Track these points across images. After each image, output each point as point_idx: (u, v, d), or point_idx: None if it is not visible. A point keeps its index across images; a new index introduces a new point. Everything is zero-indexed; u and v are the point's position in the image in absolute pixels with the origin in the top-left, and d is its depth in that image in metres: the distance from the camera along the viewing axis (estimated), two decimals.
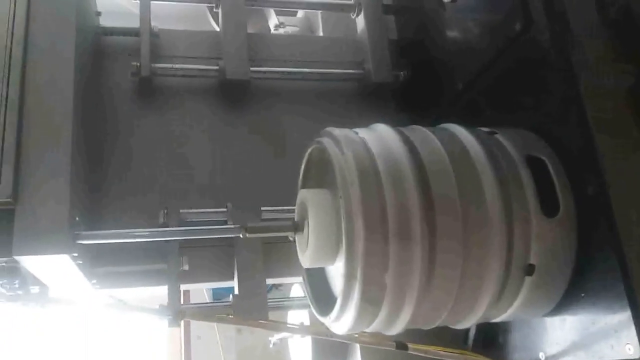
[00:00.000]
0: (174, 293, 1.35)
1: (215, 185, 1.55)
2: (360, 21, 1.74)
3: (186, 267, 1.39)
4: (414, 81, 1.69)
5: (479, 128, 1.24)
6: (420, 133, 1.20)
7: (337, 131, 1.16)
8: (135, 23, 1.58)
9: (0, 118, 1.08)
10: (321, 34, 1.95)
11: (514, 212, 1.08)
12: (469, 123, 1.24)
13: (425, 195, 1.05)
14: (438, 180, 1.07)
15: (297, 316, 1.64)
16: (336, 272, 1.18)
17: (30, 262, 1.08)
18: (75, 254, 1.07)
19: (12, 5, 1.18)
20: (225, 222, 1.46)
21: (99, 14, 1.56)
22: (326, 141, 1.15)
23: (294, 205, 1.22)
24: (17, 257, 1.04)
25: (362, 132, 1.18)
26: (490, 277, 1.06)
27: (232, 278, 1.47)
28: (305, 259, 1.16)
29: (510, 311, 1.14)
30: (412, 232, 1.03)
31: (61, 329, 3.47)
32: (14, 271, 1.12)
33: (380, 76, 1.66)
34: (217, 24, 1.72)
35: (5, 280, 1.12)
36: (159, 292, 1.41)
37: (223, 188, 1.55)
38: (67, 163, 1.09)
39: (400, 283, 1.03)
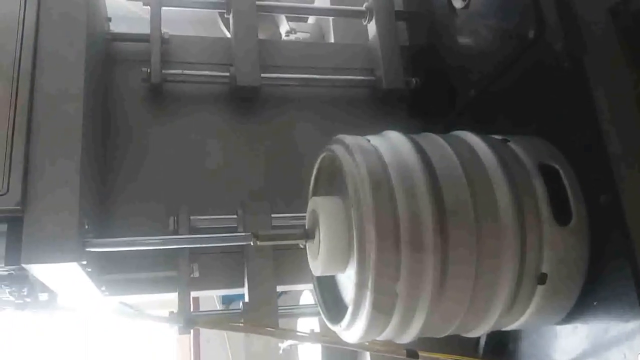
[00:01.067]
0: (184, 300, 1.34)
1: (225, 191, 1.55)
2: (371, 27, 1.73)
3: (196, 274, 1.39)
4: (425, 88, 1.68)
5: (491, 135, 1.23)
6: (433, 140, 1.20)
7: (348, 138, 1.15)
8: (145, 29, 1.58)
9: (9, 125, 1.07)
10: (332, 40, 1.94)
11: (527, 220, 1.07)
12: (481, 130, 1.23)
13: (438, 204, 1.04)
14: (451, 189, 1.06)
15: (307, 323, 1.64)
16: (347, 280, 1.17)
17: (38, 270, 1.08)
18: (84, 262, 1.07)
19: (22, 10, 1.18)
20: (236, 229, 1.46)
21: (109, 19, 1.56)
22: (337, 149, 1.14)
23: (305, 213, 1.22)
24: (25, 265, 1.03)
25: (374, 140, 1.17)
26: (502, 286, 1.05)
27: (242, 285, 1.46)
28: (316, 267, 1.15)
29: (522, 320, 1.13)
30: (424, 241, 1.02)
31: (64, 331, 3.48)
32: (23, 279, 1.11)
33: (392, 83, 1.66)
34: (228, 30, 1.72)
35: (13, 288, 1.12)
36: (167, 297, 1.41)
37: (234, 195, 1.54)
38: (76, 170, 1.09)
39: (412, 292, 1.02)
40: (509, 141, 1.21)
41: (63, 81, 1.15)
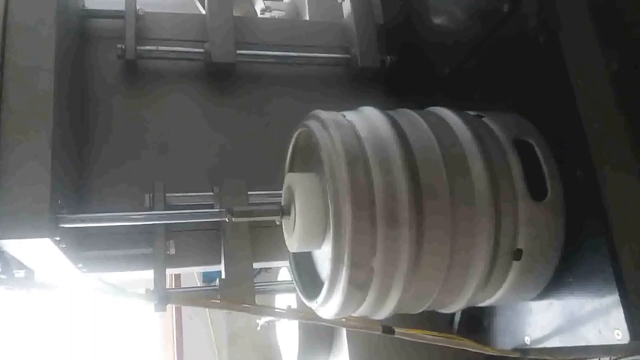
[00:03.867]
0: (159, 277, 1.34)
1: (201, 169, 1.54)
2: (346, 5, 1.73)
3: (172, 252, 1.38)
4: (401, 65, 1.68)
5: (466, 112, 1.23)
6: (408, 116, 1.20)
7: (324, 114, 1.15)
8: (120, 6, 1.55)
9: None
10: (307, 18, 1.93)
11: (502, 196, 1.08)
12: (457, 107, 1.23)
13: (414, 179, 1.04)
14: (426, 164, 1.07)
15: (285, 300, 1.64)
16: (323, 256, 1.18)
17: (11, 246, 1.06)
18: (58, 238, 1.05)
19: None
20: (213, 207, 1.45)
21: None
22: (313, 124, 1.14)
23: (281, 190, 1.22)
24: None
25: (350, 115, 1.17)
26: (478, 262, 1.07)
27: (219, 262, 1.46)
28: (292, 243, 1.15)
29: (497, 295, 1.14)
30: (400, 216, 1.02)
31: (45, 311, 3.46)
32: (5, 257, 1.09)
33: (367, 61, 1.66)
34: (203, 6, 1.69)
35: None
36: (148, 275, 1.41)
37: (209, 172, 1.54)
38: (48, 145, 1.07)
39: (387, 267, 1.03)
40: (483, 117, 1.22)
41: (34, 55, 1.12)
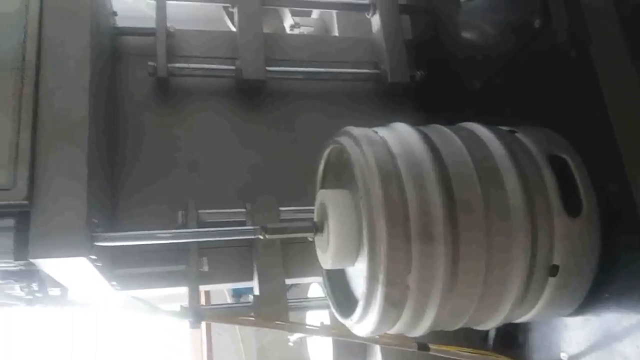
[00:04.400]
0: (193, 294, 1.35)
1: (232, 185, 1.55)
2: (375, 21, 1.72)
3: (206, 269, 1.39)
4: (430, 80, 1.67)
5: (498, 127, 1.22)
6: (441, 132, 1.19)
7: (356, 130, 1.15)
8: (148, 23, 1.58)
9: (14, 118, 1.06)
10: (336, 34, 1.94)
11: (537, 212, 1.06)
12: (487, 122, 1.22)
13: (448, 194, 1.03)
14: (460, 180, 1.06)
15: (316, 316, 1.64)
16: (357, 273, 1.17)
17: (47, 265, 1.08)
18: (94, 257, 1.07)
19: (25, 2, 1.17)
20: (244, 223, 1.46)
21: (115, 14, 1.56)
22: (345, 141, 1.14)
23: (313, 205, 1.22)
24: (33, 260, 1.03)
25: (382, 131, 1.16)
26: (514, 278, 1.05)
27: (251, 278, 1.46)
28: (326, 261, 1.15)
29: (533, 312, 1.13)
30: (435, 232, 1.01)
31: (75, 326, 3.49)
32: (32, 274, 1.11)
33: (396, 76, 1.65)
34: (233, 24, 1.72)
35: (23, 284, 1.11)
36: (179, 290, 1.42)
37: (240, 188, 1.54)
38: (83, 163, 1.08)
39: (423, 285, 1.02)
40: (516, 132, 1.21)
41: (69, 74, 1.14)
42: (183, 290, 1.40)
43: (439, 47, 1.65)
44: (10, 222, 1.02)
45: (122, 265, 1.37)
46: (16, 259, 1.01)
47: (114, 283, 1.33)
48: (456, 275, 1.02)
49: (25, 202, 1.03)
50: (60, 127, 1.09)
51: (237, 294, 3.16)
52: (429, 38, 1.71)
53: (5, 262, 1.04)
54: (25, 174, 1.03)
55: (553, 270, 1.07)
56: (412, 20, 1.78)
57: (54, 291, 1.26)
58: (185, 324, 1.21)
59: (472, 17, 1.50)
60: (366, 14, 1.75)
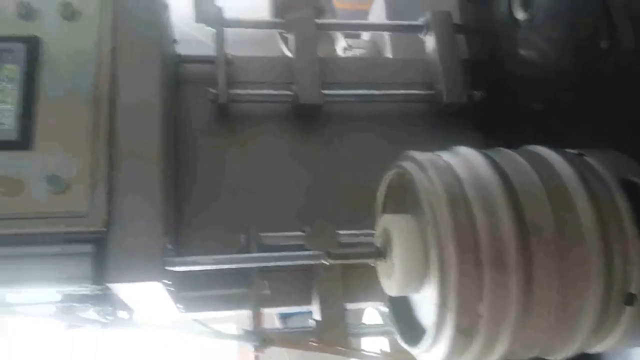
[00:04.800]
0: (256, 317, 1.36)
1: (291, 208, 1.56)
2: (430, 42, 1.72)
3: (268, 292, 1.40)
4: (488, 101, 1.65)
5: (565, 150, 1.20)
6: (506, 155, 1.17)
7: (420, 155, 1.14)
8: (196, 50, 1.63)
9: (91, 148, 1.11)
10: (389, 54, 1.95)
11: (612, 238, 1.03)
12: (549, 144, 1.20)
13: (519, 219, 1.01)
14: (531, 205, 1.04)
15: (372, 342, 1.63)
16: (422, 299, 1.16)
17: (122, 289, 1.11)
18: (168, 281, 1.09)
19: (98, 33, 1.23)
20: (303, 246, 1.47)
21: (176, 42, 1.60)
22: (409, 165, 1.14)
23: (371, 229, 1.21)
24: (110, 285, 1.06)
25: (446, 156, 1.16)
26: (589, 307, 1.01)
27: (309, 302, 1.46)
28: (391, 287, 1.14)
29: (608, 342, 1.08)
30: (506, 259, 0.99)
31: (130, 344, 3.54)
32: (108, 297, 1.14)
33: (453, 97, 1.64)
34: (288, 48, 1.74)
35: (100, 307, 1.15)
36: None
37: (299, 211, 1.56)
38: (158, 189, 1.12)
39: (495, 313, 1.00)
40: (585, 155, 1.18)
41: (141, 104, 1.19)
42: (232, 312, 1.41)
43: (497, 67, 1.63)
44: (88, 247, 1.06)
45: (186, 288, 1.39)
46: (94, 284, 1.04)
47: (180, 306, 1.35)
48: (530, 302, 1.00)
49: (103, 228, 1.06)
50: (134, 156, 1.14)
51: (284, 316, 3.17)
52: (486, 58, 1.69)
53: (82, 286, 1.08)
54: (102, 201, 1.07)
55: (629, 299, 1.03)
56: (467, 39, 1.77)
57: (122, 314, 1.29)
58: (249, 347, 1.22)
59: (532, 37, 1.48)
60: (420, 35, 1.75)
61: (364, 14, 2.49)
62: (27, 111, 1.11)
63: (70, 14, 1.19)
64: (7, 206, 1.06)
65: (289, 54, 1.74)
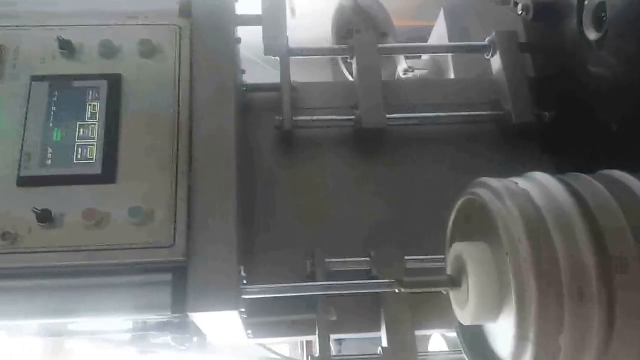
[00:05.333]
0: (324, 344, 1.36)
1: (356, 233, 1.56)
2: (495, 61, 1.70)
3: (334, 318, 1.40)
4: (558, 121, 1.61)
5: None
6: (584, 181, 1.13)
7: (494, 182, 1.12)
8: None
9: (172, 179, 1.16)
10: (451, 73, 1.93)
11: None
12: (626, 168, 1.15)
13: (600, 250, 0.98)
14: (613, 234, 1.00)
15: None
16: (497, 328, 1.14)
17: (200, 317, 1.14)
18: (243, 309, 1.11)
19: (176, 67, 1.29)
20: (370, 271, 1.46)
21: (243, 72, 1.65)
22: (483, 192, 1.12)
23: (437, 254, 1.19)
24: (190, 314, 1.09)
25: (521, 182, 1.13)
26: None
27: (377, 329, 1.45)
28: (465, 316, 1.12)
29: None
30: (588, 291, 0.96)
31: None
32: (187, 325, 1.17)
33: (522, 116, 1.60)
34: (350, 72, 1.76)
35: (176, 334, 1.18)
36: None
37: (364, 236, 1.55)
38: (234, 218, 1.15)
39: (576, 345, 0.97)
40: None
41: (217, 135, 1.22)
42: None
43: (566, 86, 1.59)
44: (167, 276, 1.10)
45: (254, 314, 1.41)
46: (173, 312, 1.08)
47: (249, 332, 1.37)
48: (611, 335, 0.96)
49: (184, 258, 1.09)
50: (211, 186, 1.17)
51: (338, 340, 3.14)
52: (554, 76, 1.65)
53: (160, 315, 1.11)
54: (183, 231, 1.11)
55: None
56: (533, 58, 1.73)
57: (195, 339, 1.32)
58: None
59: (604, 55, 1.43)
60: (485, 55, 1.73)
61: (425, 29, 2.47)
62: (110, 146, 1.17)
63: (149, 51, 1.25)
64: (93, 238, 1.10)
65: (350, 78, 1.75)
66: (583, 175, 1.16)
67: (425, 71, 2.13)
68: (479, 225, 1.19)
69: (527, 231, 1.00)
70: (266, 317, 1.42)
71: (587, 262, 0.97)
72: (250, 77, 1.67)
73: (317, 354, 1.36)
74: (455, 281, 1.15)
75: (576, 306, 0.96)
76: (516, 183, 1.13)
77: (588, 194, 1.08)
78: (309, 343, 3.26)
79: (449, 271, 1.19)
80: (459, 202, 1.23)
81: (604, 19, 1.39)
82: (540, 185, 1.11)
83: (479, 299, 1.07)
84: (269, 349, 1.31)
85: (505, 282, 1.03)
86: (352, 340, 2.51)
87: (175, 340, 1.19)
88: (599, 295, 0.95)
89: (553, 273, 0.97)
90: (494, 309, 1.07)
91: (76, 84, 1.23)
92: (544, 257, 0.98)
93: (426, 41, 2.36)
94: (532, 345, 0.96)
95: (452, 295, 1.18)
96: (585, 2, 1.44)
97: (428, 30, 2.36)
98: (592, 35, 1.44)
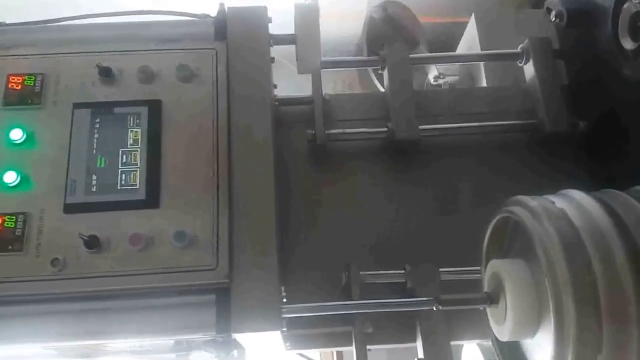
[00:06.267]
0: (361, 355, 1.38)
1: (390, 245, 1.57)
2: (529, 69, 1.68)
3: (370, 330, 1.42)
4: (592, 131, 1.59)
5: None
6: (621, 200, 1.12)
7: (532, 201, 1.13)
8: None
9: (214, 203, 1.19)
10: (484, 81, 1.92)
11: None
12: None
13: (638, 271, 0.98)
14: None
15: None
16: (534, 345, 1.15)
17: (243, 337, 1.17)
18: (285, 329, 1.14)
19: (213, 90, 1.31)
20: (405, 284, 1.48)
21: (275, 87, 1.67)
22: (520, 211, 1.12)
23: (472, 266, 1.20)
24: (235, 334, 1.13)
25: (558, 202, 1.13)
26: None
27: (413, 340, 1.47)
28: (503, 333, 1.13)
29: None
30: (627, 313, 0.97)
31: None
32: (231, 343, 1.21)
33: (556, 125, 1.59)
34: (381, 84, 1.76)
35: (220, 352, 1.21)
36: None
37: (399, 249, 1.56)
38: (274, 239, 1.17)
39: None
40: None
41: (256, 156, 1.26)
42: None
43: (601, 95, 1.57)
44: (211, 297, 1.13)
45: (292, 327, 1.44)
46: (218, 333, 1.11)
47: (288, 344, 1.40)
48: None
49: (227, 280, 1.13)
50: (251, 207, 1.20)
51: None
52: (588, 84, 1.63)
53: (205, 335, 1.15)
54: (225, 253, 1.15)
55: None
56: (567, 65, 1.71)
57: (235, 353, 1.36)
58: None
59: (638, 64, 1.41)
60: (518, 62, 1.71)
61: (454, 27, 2.42)
62: (153, 171, 1.21)
63: (187, 75, 1.28)
64: (139, 263, 1.15)
65: (382, 88, 1.75)
66: (619, 192, 1.16)
67: (457, 77, 2.12)
68: (515, 242, 1.20)
69: (566, 255, 1.00)
70: (304, 330, 1.44)
71: (626, 283, 0.97)
72: None
73: None
74: (493, 299, 1.16)
75: (615, 327, 0.96)
76: (553, 202, 1.13)
77: (625, 213, 1.07)
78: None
79: (486, 288, 1.20)
80: (495, 220, 1.23)
81: None
82: (577, 204, 1.11)
83: (517, 318, 1.08)
84: (308, 358, 1.34)
85: (543, 299, 1.04)
86: None
87: (219, 357, 1.23)
88: (638, 316, 0.96)
89: (592, 295, 0.97)
90: (532, 326, 1.08)
91: (117, 110, 1.27)
92: (583, 280, 0.98)
93: (456, 38, 2.34)
94: None
95: (490, 312, 1.19)
96: (622, 11, 1.42)
97: (458, 27, 2.32)
98: (628, 44, 1.41)
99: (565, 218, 1.07)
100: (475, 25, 1.91)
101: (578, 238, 1.03)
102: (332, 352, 2.99)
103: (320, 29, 1.38)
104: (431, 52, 2.25)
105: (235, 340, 1.23)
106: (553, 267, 1.00)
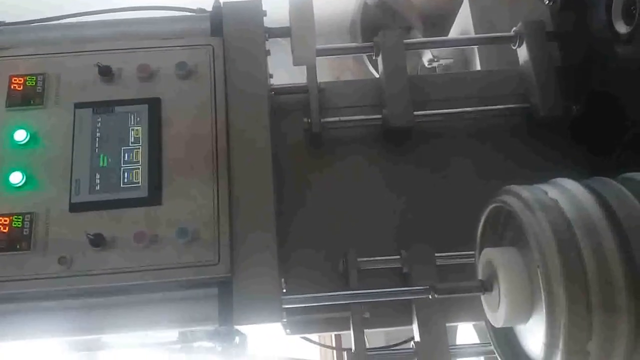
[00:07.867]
0: (359, 339, 1.43)
1: (386, 231, 1.61)
2: (522, 52, 1.68)
3: (367, 315, 1.46)
4: (586, 114, 1.61)
5: None
6: (612, 188, 1.15)
7: (525, 192, 1.15)
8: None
9: (214, 200, 1.22)
10: (478, 64, 1.92)
11: None
12: None
13: (630, 263, 1.02)
14: None
15: None
16: (527, 330, 1.19)
17: (245, 327, 1.21)
18: (285, 320, 1.18)
19: (211, 86, 1.32)
20: (400, 269, 1.52)
21: (271, 76, 1.67)
22: (513, 202, 1.15)
23: (467, 250, 1.24)
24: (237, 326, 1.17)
25: (551, 191, 1.16)
26: None
27: (408, 322, 1.52)
28: (497, 319, 1.17)
29: None
30: (616, 302, 1.00)
31: None
32: (233, 332, 1.25)
33: (549, 109, 1.60)
34: (375, 69, 1.77)
35: (223, 343, 1.25)
36: None
37: (394, 234, 1.60)
38: (273, 232, 1.20)
39: (604, 351, 1.02)
40: None
41: (253, 149, 1.27)
42: None
43: (594, 78, 1.58)
44: (214, 291, 1.17)
45: (293, 314, 1.48)
46: (221, 325, 1.15)
47: (288, 330, 1.45)
48: (638, 346, 1.00)
49: (229, 274, 1.16)
50: (250, 201, 1.23)
51: None
52: (582, 67, 1.64)
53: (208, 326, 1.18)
54: (226, 248, 1.18)
55: None
56: (560, 47, 1.72)
57: (236, 340, 1.40)
58: None
59: (635, 49, 1.42)
60: (512, 46, 1.72)
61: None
62: (154, 169, 1.23)
63: (185, 72, 1.29)
64: (144, 259, 1.18)
65: (376, 74, 1.76)
66: (613, 182, 1.18)
67: (451, 60, 2.12)
68: (508, 229, 1.23)
69: (559, 246, 1.03)
70: (303, 315, 1.48)
71: (616, 273, 1.01)
72: None
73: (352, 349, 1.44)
74: (487, 286, 1.20)
75: (605, 317, 1.00)
76: (546, 192, 1.16)
77: (616, 203, 1.10)
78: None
79: (480, 276, 1.24)
80: (488, 209, 1.26)
81: (635, 12, 1.37)
82: (570, 195, 1.13)
83: (510, 305, 1.12)
84: (311, 341, 1.39)
85: (536, 287, 1.08)
86: None
87: (222, 346, 1.27)
88: (628, 306, 0.99)
89: (583, 285, 1.01)
90: (525, 313, 1.12)
91: (118, 109, 1.28)
92: (574, 271, 1.02)
93: (449, 18, 2.32)
94: (561, 353, 1.01)
95: (484, 299, 1.23)
96: None
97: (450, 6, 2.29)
98: (622, 28, 1.42)
99: (559, 210, 1.10)
100: (469, 8, 1.91)
101: (570, 229, 1.06)
102: (331, 335, 3.07)
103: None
104: (427, 29, 2.25)
105: (237, 330, 1.27)
106: (546, 260, 1.03)
